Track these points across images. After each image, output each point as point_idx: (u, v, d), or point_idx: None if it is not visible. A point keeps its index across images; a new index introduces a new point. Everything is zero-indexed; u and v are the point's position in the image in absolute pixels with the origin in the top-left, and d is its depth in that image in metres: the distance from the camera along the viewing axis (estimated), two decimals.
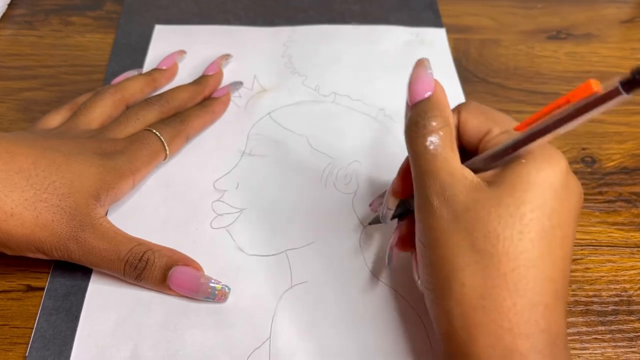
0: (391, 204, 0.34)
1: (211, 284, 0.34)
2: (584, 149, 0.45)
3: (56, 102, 0.43)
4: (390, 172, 0.41)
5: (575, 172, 0.42)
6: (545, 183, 0.26)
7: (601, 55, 0.53)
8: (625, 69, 0.52)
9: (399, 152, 0.43)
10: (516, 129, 0.28)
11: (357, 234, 0.38)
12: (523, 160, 0.27)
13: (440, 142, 0.28)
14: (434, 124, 0.29)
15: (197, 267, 0.34)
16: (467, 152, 0.31)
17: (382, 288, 0.35)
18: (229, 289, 0.34)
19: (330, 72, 0.49)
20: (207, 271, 0.35)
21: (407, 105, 0.30)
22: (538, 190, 0.26)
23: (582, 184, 0.41)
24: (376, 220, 0.36)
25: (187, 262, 0.34)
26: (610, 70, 0.51)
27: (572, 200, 0.27)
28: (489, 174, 0.28)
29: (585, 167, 0.43)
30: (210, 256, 0.36)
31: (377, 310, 0.34)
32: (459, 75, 0.49)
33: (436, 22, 0.54)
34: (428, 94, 0.30)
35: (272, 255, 0.36)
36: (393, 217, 0.35)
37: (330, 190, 0.40)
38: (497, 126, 0.30)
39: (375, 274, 0.36)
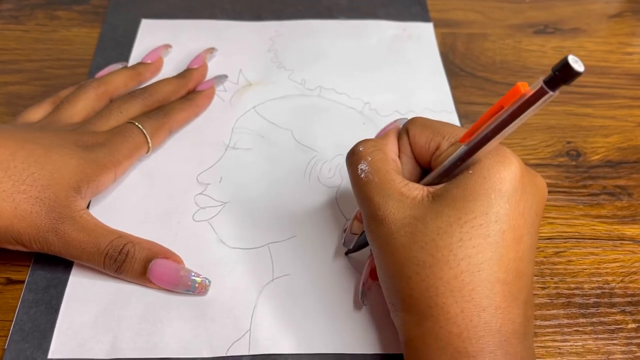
0: (356, 228, 0.34)
1: (191, 277, 0.34)
2: (569, 142, 0.45)
3: (40, 96, 0.43)
4: None
5: (560, 166, 0.42)
6: (492, 190, 0.26)
7: (588, 50, 0.53)
8: (612, 63, 0.52)
9: None
10: (460, 141, 0.28)
11: (339, 227, 0.38)
12: (470, 172, 0.27)
13: (369, 168, 0.29)
14: (361, 149, 0.30)
15: (177, 260, 0.34)
16: (422, 167, 0.32)
17: None
18: (210, 281, 0.34)
19: (317, 66, 0.49)
20: (189, 264, 0.35)
21: None
22: (482, 199, 0.26)
23: (566, 177, 0.42)
24: (349, 251, 0.36)
25: (168, 254, 0.34)
26: (597, 64, 0.51)
27: (529, 200, 0.27)
28: (438, 188, 0.28)
29: (570, 161, 0.43)
30: (192, 249, 0.36)
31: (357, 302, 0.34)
32: (445, 69, 0.49)
33: (424, 17, 0.54)
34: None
35: (254, 248, 0.36)
36: (360, 247, 0.35)
37: (313, 183, 0.40)
38: (445, 139, 0.30)
39: (356, 267, 0.36)
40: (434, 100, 0.46)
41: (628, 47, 0.53)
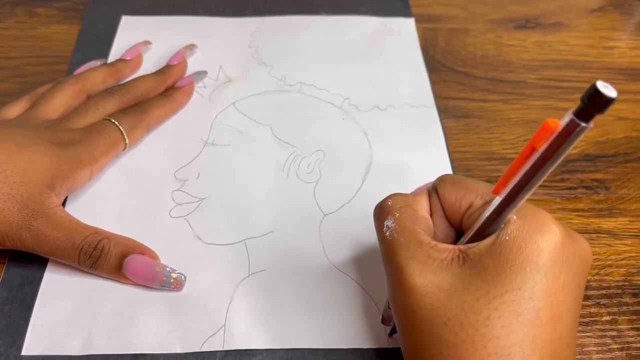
0: None
1: (167, 272, 0.34)
2: None
3: (18, 94, 0.43)
4: (353, 161, 0.41)
5: None
6: (527, 262, 0.24)
7: (569, 45, 0.53)
8: (593, 58, 0.53)
9: (363, 141, 0.43)
10: (494, 192, 0.25)
11: (316, 222, 0.38)
12: (506, 238, 0.24)
13: (395, 225, 0.27)
14: (390, 203, 0.28)
15: (152, 256, 0.34)
16: (457, 228, 0.29)
17: (339, 276, 0.35)
18: (185, 277, 0.34)
19: (297, 62, 0.49)
20: (165, 260, 0.35)
21: None
22: (516, 271, 0.24)
23: None
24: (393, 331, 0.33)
25: (143, 250, 0.34)
26: (578, 59, 0.51)
27: (570, 272, 0.25)
28: (471, 247, 0.25)
29: None
30: (168, 245, 0.36)
31: (333, 298, 0.34)
32: (426, 64, 0.49)
33: (405, 12, 0.54)
34: None
35: (231, 244, 0.36)
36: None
37: (292, 179, 0.40)
38: (478, 197, 0.27)
39: (332, 262, 0.36)
40: (414, 95, 0.47)
41: (609, 42, 0.53)
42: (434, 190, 0.29)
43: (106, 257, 0.33)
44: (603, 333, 0.34)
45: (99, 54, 0.47)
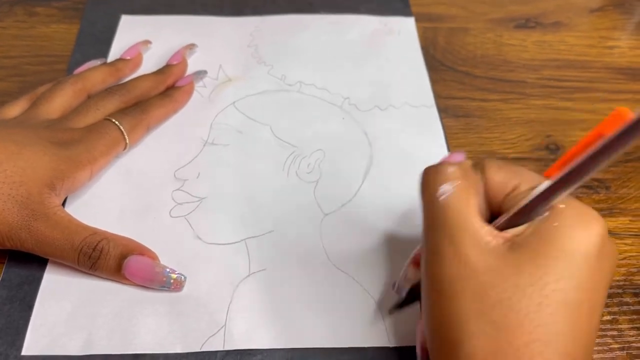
0: (411, 274, 0.31)
1: (166, 273, 0.34)
2: (548, 136, 0.45)
3: (17, 93, 0.42)
4: (353, 161, 0.41)
5: (539, 159, 0.42)
6: (578, 252, 0.24)
7: (569, 44, 0.53)
8: (593, 57, 0.53)
9: (363, 140, 0.43)
10: (546, 174, 0.25)
11: (317, 222, 0.38)
12: (555, 224, 0.25)
13: (453, 192, 0.26)
14: (450, 170, 0.27)
15: (152, 256, 0.34)
16: (492, 212, 0.28)
17: (340, 276, 0.35)
18: (185, 277, 0.34)
19: (297, 61, 0.48)
20: (165, 260, 0.35)
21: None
22: (567, 260, 0.24)
23: (545, 171, 0.42)
24: (398, 305, 0.33)
25: (143, 251, 0.34)
26: (578, 58, 0.51)
27: (605, 268, 0.25)
28: (515, 234, 0.25)
29: (549, 154, 0.43)
30: (168, 245, 0.36)
31: (334, 297, 0.34)
32: (426, 63, 0.49)
33: (405, 11, 0.54)
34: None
35: (231, 243, 0.36)
36: (410, 302, 0.32)
37: (292, 179, 0.40)
38: (525, 182, 0.27)
39: (333, 261, 0.36)
40: (414, 94, 0.46)
41: (609, 41, 0.53)
42: (478, 169, 0.29)
43: (105, 258, 0.33)
44: (604, 333, 0.34)
45: (98, 53, 0.47)
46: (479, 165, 0.29)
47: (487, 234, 0.25)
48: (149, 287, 0.34)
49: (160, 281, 0.33)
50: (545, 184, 0.24)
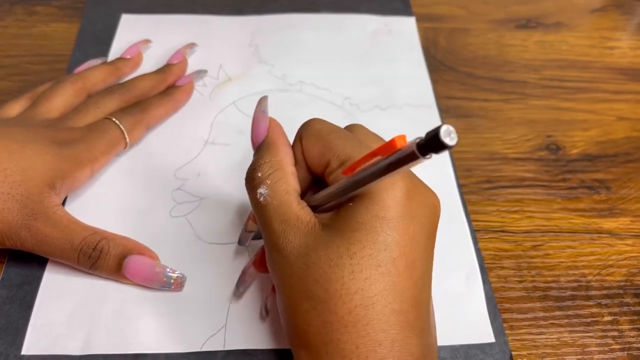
0: (250, 226, 0.33)
1: (167, 273, 0.34)
2: (549, 136, 0.45)
3: (17, 92, 0.42)
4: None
5: (540, 160, 0.42)
6: (376, 218, 0.25)
7: (570, 44, 0.53)
8: (593, 58, 0.52)
9: None
10: (343, 172, 0.26)
11: None
12: (350, 204, 0.26)
13: (268, 191, 0.28)
14: (259, 174, 0.28)
15: (152, 256, 0.34)
16: (317, 179, 0.30)
17: None
18: (185, 277, 0.34)
19: (297, 61, 0.48)
20: (165, 260, 0.35)
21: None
22: (367, 228, 0.25)
23: (546, 171, 0.42)
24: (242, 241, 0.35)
25: (142, 250, 0.34)
26: (579, 59, 0.51)
27: (419, 223, 0.26)
28: (327, 215, 0.27)
29: (550, 154, 0.43)
30: (168, 244, 0.36)
31: None
32: (427, 64, 0.49)
33: (406, 11, 0.54)
34: (261, 138, 0.30)
35: (231, 243, 0.36)
36: (255, 238, 0.35)
37: None
38: (335, 157, 0.28)
39: None
40: (415, 95, 0.46)
41: (610, 42, 0.53)
42: (298, 139, 0.30)
43: (105, 258, 0.33)
44: (604, 333, 0.34)
45: (98, 52, 0.47)
46: (298, 133, 0.30)
47: (307, 214, 0.27)
48: (149, 287, 0.34)
49: (161, 281, 0.33)
50: (343, 182, 0.26)
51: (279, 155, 0.29)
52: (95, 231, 0.34)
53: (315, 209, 0.28)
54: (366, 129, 0.31)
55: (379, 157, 0.23)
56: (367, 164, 0.24)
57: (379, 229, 0.25)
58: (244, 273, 0.33)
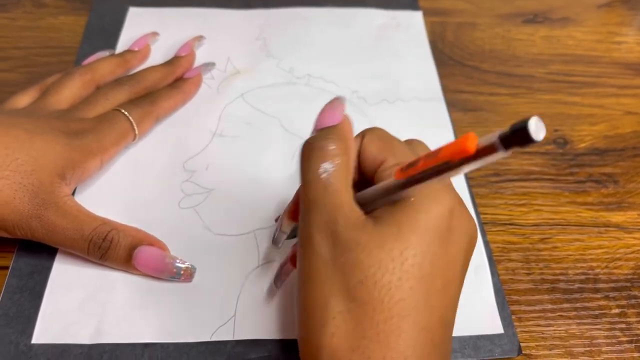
0: (286, 226, 0.31)
1: (177, 264, 0.34)
2: (556, 130, 0.45)
3: (26, 84, 0.42)
4: None
5: (547, 153, 0.42)
6: (431, 226, 0.24)
7: (577, 39, 0.53)
8: (600, 53, 0.52)
9: None
10: (394, 176, 0.25)
11: None
12: (412, 199, 0.25)
13: (334, 170, 0.26)
14: (331, 147, 0.27)
15: (162, 247, 0.34)
16: (365, 180, 0.29)
17: None
18: (195, 268, 0.34)
19: (305, 54, 0.48)
20: (174, 250, 0.35)
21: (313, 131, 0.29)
22: (422, 234, 0.24)
23: (553, 165, 0.42)
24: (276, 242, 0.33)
25: (152, 241, 0.34)
26: (586, 53, 0.51)
27: (459, 243, 0.25)
28: (379, 210, 0.26)
29: (557, 148, 0.43)
30: (177, 236, 0.36)
31: None
32: (434, 58, 0.49)
33: (413, 5, 0.54)
34: (331, 121, 0.29)
35: (240, 234, 0.36)
36: (289, 238, 0.32)
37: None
38: (393, 157, 0.27)
39: None
40: (422, 88, 0.46)
41: (617, 37, 0.53)
42: (360, 136, 0.29)
43: (115, 249, 0.33)
44: (612, 326, 0.34)
45: (106, 44, 0.47)
46: (361, 133, 0.29)
47: (357, 209, 0.26)
48: (159, 277, 0.34)
49: (170, 272, 0.33)
50: (394, 181, 0.25)
51: (348, 143, 0.28)
52: (105, 222, 0.34)
53: (360, 204, 0.26)
54: (426, 145, 0.30)
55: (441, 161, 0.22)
56: (424, 167, 0.23)
57: (431, 239, 0.24)
58: (281, 268, 0.32)
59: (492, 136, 0.19)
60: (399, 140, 0.29)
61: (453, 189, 0.26)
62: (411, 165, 0.24)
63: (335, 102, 0.30)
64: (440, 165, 0.22)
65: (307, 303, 0.25)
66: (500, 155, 0.19)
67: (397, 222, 0.24)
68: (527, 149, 0.43)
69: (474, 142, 0.20)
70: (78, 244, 0.33)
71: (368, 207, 0.26)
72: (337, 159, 0.26)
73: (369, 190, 0.27)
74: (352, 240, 0.24)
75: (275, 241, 0.33)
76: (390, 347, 0.23)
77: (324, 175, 0.26)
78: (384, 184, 0.26)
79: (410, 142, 0.30)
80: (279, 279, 0.32)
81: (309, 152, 0.27)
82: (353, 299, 0.24)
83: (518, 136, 0.18)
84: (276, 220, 0.34)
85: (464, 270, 0.26)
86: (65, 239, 0.33)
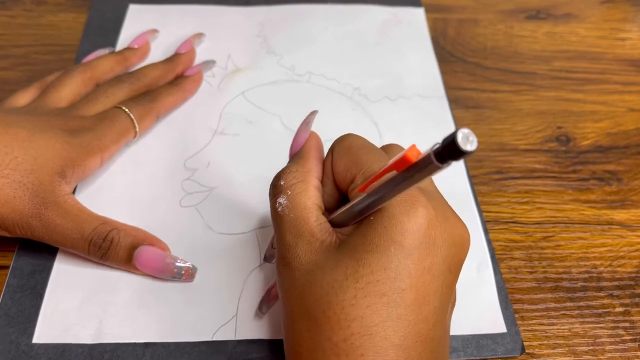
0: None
1: (177, 264, 0.33)
2: (559, 127, 0.44)
3: (26, 82, 0.42)
4: None
5: (550, 151, 0.42)
6: (392, 242, 0.24)
7: (580, 36, 0.52)
8: (604, 49, 0.52)
9: (374, 131, 0.43)
10: (359, 190, 0.25)
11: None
12: (372, 218, 0.25)
13: (287, 202, 0.27)
14: (282, 183, 0.28)
15: (162, 247, 0.34)
16: (342, 191, 0.29)
17: None
18: (196, 268, 0.34)
19: (306, 51, 0.48)
20: (175, 250, 0.35)
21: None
22: (381, 251, 0.24)
23: (556, 163, 0.42)
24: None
25: (153, 241, 0.34)
26: (589, 50, 0.51)
27: (439, 255, 0.25)
28: (347, 230, 0.26)
29: (560, 146, 0.43)
30: (178, 234, 0.36)
31: None
32: (436, 54, 0.49)
33: (415, 2, 0.53)
34: (298, 149, 0.30)
35: (241, 233, 0.36)
36: None
37: None
38: (360, 173, 0.27)
39: None
40: (424, 85, 0.46)
41: (620, 33, 0.53)
42: (330, 151, 0.29)
43: (116, 249, 0.33)
44: (616, 324, 0.34)
45: (106, 42, 0.47)
46: (331, 148, 0.29)
47: (324, 232, 0.26)
48: (160, 277, 0.34)
49: (171, 272, 0.33)
50: (359, 198, 0.25)
51: (307, 166, 0.28)
52: (105, 221, 0.33)
53: (337, 226, 0.27)
54: (402, 148, 0.29)
55: (393, 172, 0.22)
56: (382, 178, 0.23)
57: (392, 255, 0.24)
58: (268, 293, 0.32)
59: (429, 149, 0.19)
60: (367, 149, 0.28)
61: (431, 199, 0.25)
62: (369, 180, 0.24)
63: (301, 126, 0.31)
64: (393, 179, 0.22)
65: (283, 323, 0.27)
66: (438, 169, 0.19)
67: (353, 241, 0.25)
68: (530, 146, 0.42)
69: (415, 153, 0.20)
70: (78, 243, 0.33)
71: (347, 225, 0.26)
72: (289, 190, 0.27)
73: (339, 211, 0.27)
74: (310, 263, 0.25)
75: (266, 258, 0.34)
76: None
77: (279, 209, 0.27)
78: (352, 202, 0.25)
79: (388, 147, 0.29)
80: (264, 303, 0.32)
81: (269, 192, 0.29)
82: (310, 319, 0.24)
83: (448, 149, 0.18)
84: (265, 258, 0.35)
85: (450, 278, 0.25)
86: (66, 238, 0.33)
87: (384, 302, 0.23)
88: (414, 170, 0.21)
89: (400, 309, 0.23)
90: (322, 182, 0.29)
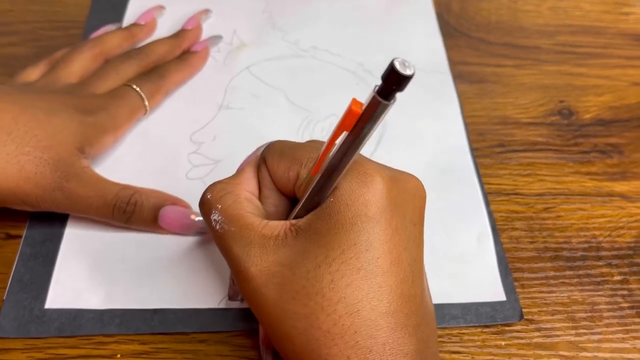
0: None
1: (201, 221, 0.34)
2: (561, 101, 0.45)
3: (34, 58, 0.43)
4: None
5: (552, 124, 0.42)
6: (357, 217, 0.24)
7: (584, 10, 0.52)
8: (607, 23, 0.52)
9: None
10: (311, 174, 0.25)
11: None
12: (331, 199, 0.24)
13: (221, 217, 0.26)
14: (209, 196, 0.27)
15: (185, 205, 0.35)
16: (287, 196, 0.28)
17: None
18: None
19: (311, 27, 0.48)
20: None
21: None
22: (348, 228, 0.24)
23: (558, 136, 0.42)
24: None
25: (175, 201, 0.35)
26: (593, 24, 0.51)
27: (402, 212, 0.25)
28: (301, 221, 0.25)
29: (562, 119, 0.43)
30: None
31: None
32: (440, 29, 0.49)
33: None
34: None
35: None
36: None
37: None
38: (303, 167, 0.26)
39: None
40: (428, 61, 0.47)
41: (624, 7, 0.53)
42: (262, 161, 0.28)
43: (140, 211, 0.34)
44: (614, 292, 0.35)
45: (113, 18, 0.47)
46: (261, 155, 0.29)
47: (274, 228, 0.25)
48: (185, 234, 0.35)
49: (197, 227, 0.34)
50: (313, 183, 0.24)
51: (236, 180, 0.28)
52: (125, 186, 0.34)
53: None
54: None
55: (344, 134, 0.22)
56: (335, 146, 0.23)
57: (361, 229, 0.24)
58: (262, 343, 0.31)
59: (370, 94, 0.20)
60: (300, 146, 0.28)
61: (378, 166, 0.25)
62: (317, 159, 0.24)
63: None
64: (343, 144, 0.22)
65: (267, 332, 0.26)
66: (385, 107, 0.20)
67: (315, 228, 0.24)
68: (533, 120, 0.43)
69: (358, 104, 0.21)
70: (102, 210, 0.34)
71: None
72: (219, 204, 0.27)
73: (295, 210, 0.26)
74: (273, 265, 0.24)
75: (230, 296, 0.32)
76: (349, 345, 0.23)
77: (217, 227, 0.26)
78: (309, 189, 0.25)
79: (313, 142, 0.29)
80: (269, 355, 0.31)
81: (200, 211, 0.28)
82: (293, 316, 0.24)
83: (389, 80, 0.19)
84: (229, 296, 0.34)
85: (413, 234, 0.26)
86: (89, 206, 0.33)
87: (362, 276, 0.24)
88: (364, 119, 0.21)
89: (378, 278, 0.24)
90: (263, 195, 0.28)
